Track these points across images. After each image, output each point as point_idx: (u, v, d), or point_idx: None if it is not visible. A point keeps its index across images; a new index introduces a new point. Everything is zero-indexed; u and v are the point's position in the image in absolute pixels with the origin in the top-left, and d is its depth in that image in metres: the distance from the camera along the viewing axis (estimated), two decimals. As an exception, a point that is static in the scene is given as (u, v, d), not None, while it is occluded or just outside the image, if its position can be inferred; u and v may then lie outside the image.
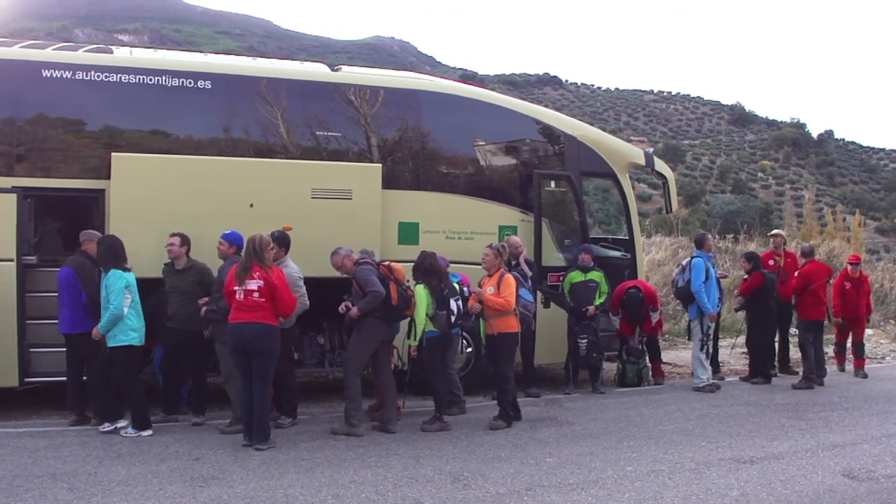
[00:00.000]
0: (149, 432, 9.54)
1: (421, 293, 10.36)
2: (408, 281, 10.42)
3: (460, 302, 10.63)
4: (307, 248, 10.64)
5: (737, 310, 14.47)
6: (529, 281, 11.92)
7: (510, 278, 10.49)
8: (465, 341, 12.22)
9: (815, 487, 7.95)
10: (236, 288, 9.07)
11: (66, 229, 10.67)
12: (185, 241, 10.08)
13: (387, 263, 10.31)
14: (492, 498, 7.48)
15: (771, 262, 14.66)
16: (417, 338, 10.33)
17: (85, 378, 10.12)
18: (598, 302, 12.67)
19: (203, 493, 7.47)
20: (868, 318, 15.90)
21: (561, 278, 12.97)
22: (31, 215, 10.71)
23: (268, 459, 8.63)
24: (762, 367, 14.03)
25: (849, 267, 15.28)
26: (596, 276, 12.78)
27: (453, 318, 10.47)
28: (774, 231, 16.15)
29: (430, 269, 10.48)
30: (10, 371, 9.77)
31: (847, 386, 13.87)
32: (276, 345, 9.27)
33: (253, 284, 9.05)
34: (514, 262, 11.93)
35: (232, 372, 9.64)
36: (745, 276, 14.06)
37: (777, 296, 14.17)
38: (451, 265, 11.25)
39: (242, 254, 9.33)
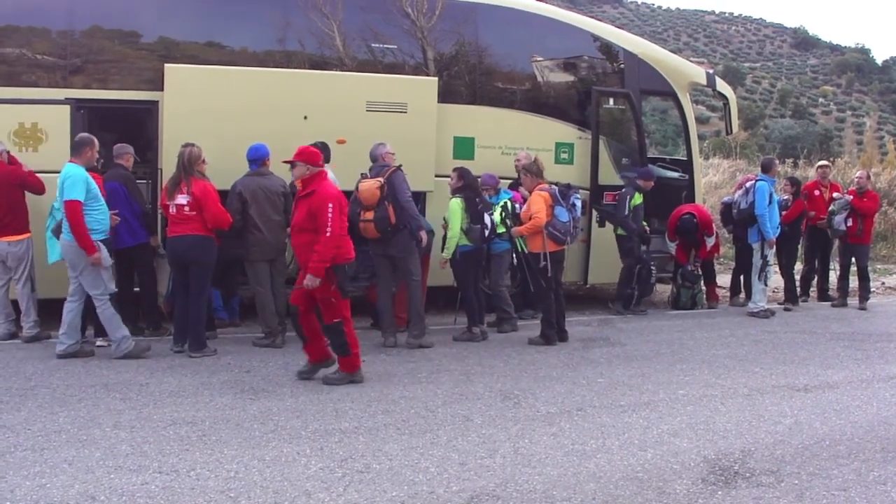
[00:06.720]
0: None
1: (455, 207, 10.38)
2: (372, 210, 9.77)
3: (494, 216, 10.60)
4: (361, 161, 10.55)
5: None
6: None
7: (535, 195, 10.32)
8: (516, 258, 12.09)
9: (869, 419, 7.79)
10: (168, 203, 9.15)
11: (120, 141, 10.60)
12: None
13: (359, 180, 9.93)
14: (542, 417, 7.44)
15: (816, 193, 14.29)
16: (451, 252, 10.41)
17: (137, 290, 10.22)
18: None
19: (253, 406, 7.51)
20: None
21: (617, 198, 12.70)
22: (84, 127, 10.70)
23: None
24: (792, 292, 14.02)
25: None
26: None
27: (486, 233, 10.45)
28: (822, 162, 15.67)
29: (471, 186, 10.48)
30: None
31: (905, 317, 13.56)
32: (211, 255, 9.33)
33: (182, 199, 9.07)
34: None
35: (261, 283, 9.87)
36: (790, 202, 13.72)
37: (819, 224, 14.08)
38: (505, 181, 11.12)
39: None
